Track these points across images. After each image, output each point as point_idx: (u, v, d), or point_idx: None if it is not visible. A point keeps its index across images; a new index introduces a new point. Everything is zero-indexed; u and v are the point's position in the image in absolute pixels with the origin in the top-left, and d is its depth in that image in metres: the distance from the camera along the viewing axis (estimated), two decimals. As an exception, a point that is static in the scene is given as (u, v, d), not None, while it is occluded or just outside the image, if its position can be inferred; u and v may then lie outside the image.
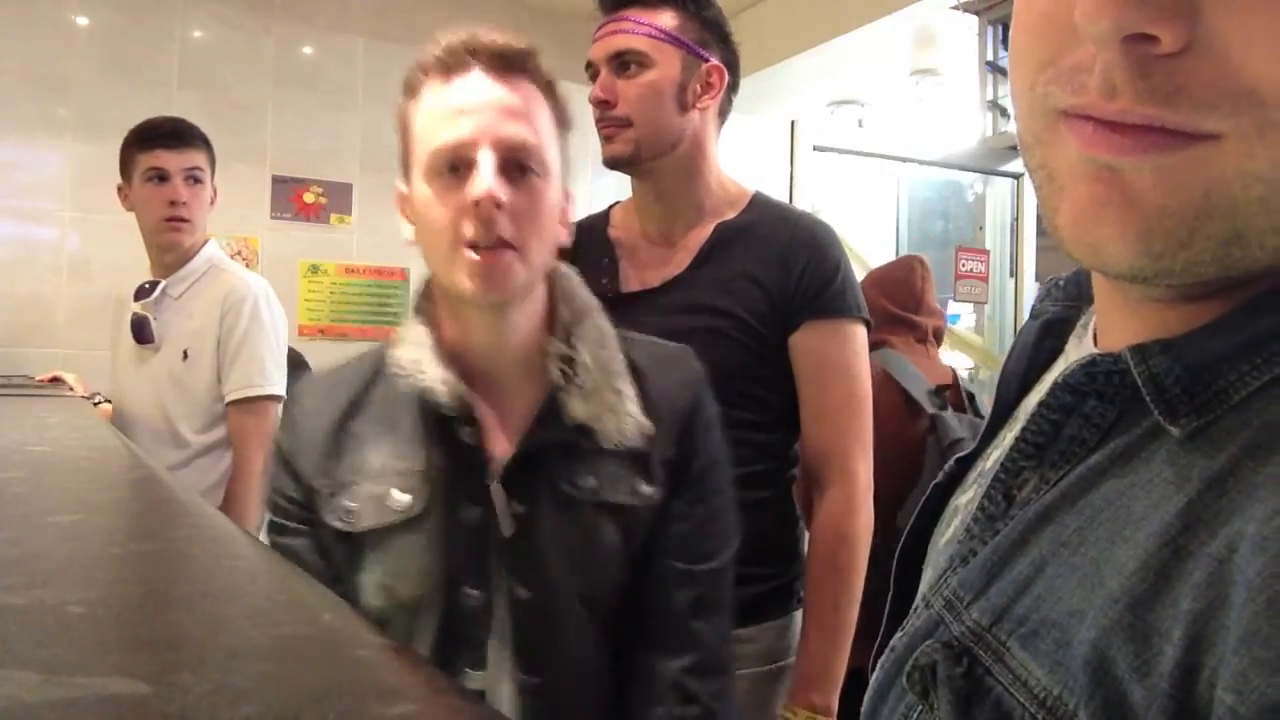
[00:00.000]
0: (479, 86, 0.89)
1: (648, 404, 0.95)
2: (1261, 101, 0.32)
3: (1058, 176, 0.38)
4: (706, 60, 1.31)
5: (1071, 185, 0.37)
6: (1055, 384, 0.44)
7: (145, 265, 2.16)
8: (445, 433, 0.91)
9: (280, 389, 2.01)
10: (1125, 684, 0.33)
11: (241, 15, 3.30)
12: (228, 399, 2.00)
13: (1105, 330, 0.46)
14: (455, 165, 0.88)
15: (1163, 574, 0.34)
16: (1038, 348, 0.53)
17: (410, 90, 0.92)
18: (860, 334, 1.30)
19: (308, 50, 3.39)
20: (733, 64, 1.35)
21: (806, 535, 1.36)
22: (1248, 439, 0.35)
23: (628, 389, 0.94)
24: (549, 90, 0.93)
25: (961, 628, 0.42)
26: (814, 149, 4.09)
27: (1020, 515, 0.43)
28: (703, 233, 1.33)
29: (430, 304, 0.97)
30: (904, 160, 4.27)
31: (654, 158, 1.30)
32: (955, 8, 2.95)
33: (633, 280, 1.34)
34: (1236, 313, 0.38)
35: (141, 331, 2.07)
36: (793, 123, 4.06)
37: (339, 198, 3.48)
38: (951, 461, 0.55)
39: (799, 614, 1.29)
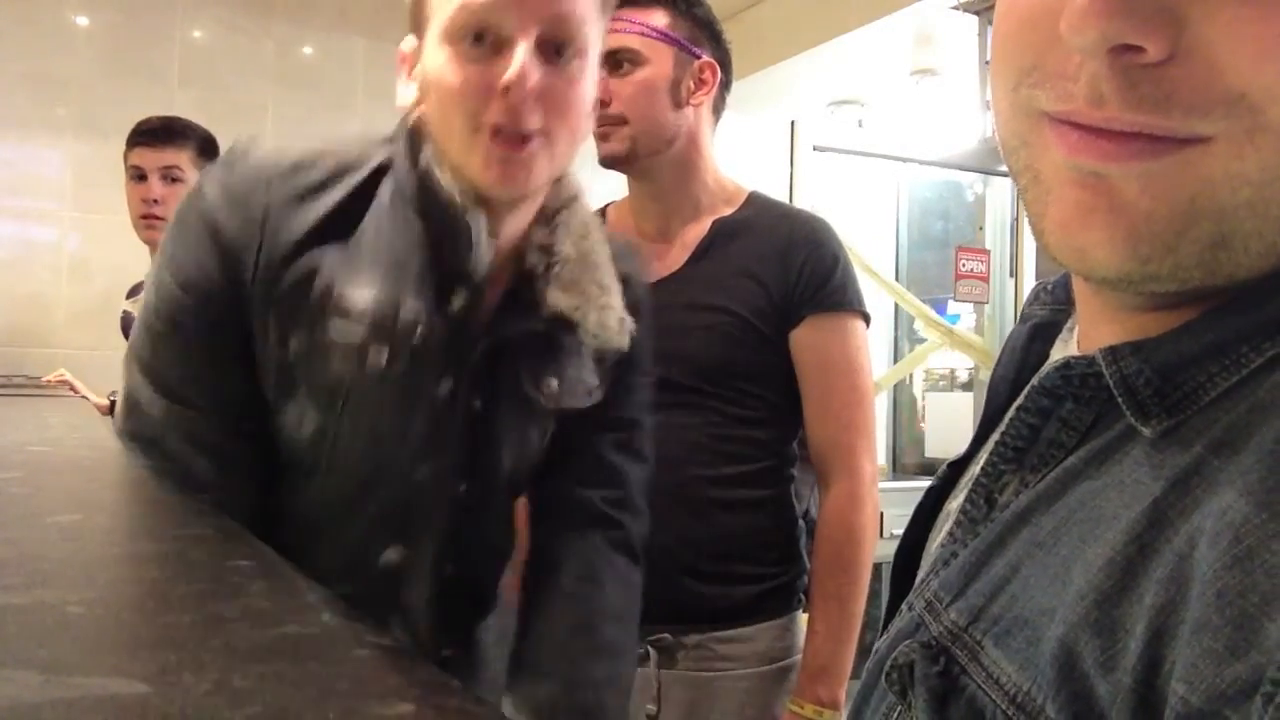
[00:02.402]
0: None
1: (628, 298, 0.89)
2: (1251, 105, 0.32)
3: (1044, 180, 0.38)
4: (698, 57, 1.31)
5: (1058, 190, 0.37)
6: (1031, 387, 0.44)
7: (146, 265, 2.17)
8: (439, 296, 0.80)
9: None
10: (1091, 679, 0.33)
11: (241, 15, 3.30)
12: None
13: (1086, 334, 0.46)
14: (483, 32, 0.76)
15: (1129, 570, 0.34)
16: (1026, 351, 0.53)
17: None
18: (860, 328, 1.31)
19: (308, 50, 3.39)
20: (725, 61, 1.35)
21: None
22: (1214, 438, 0.35)
23: (611, 282, 0.87)
24: None
25: (940, 628, 0.42)
26: (814, 149, 4.08)
27: (999, 518, 0.43)
28: (699, 229, 1.33)
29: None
30: (904, 160, 4.26)
31: (650, 155, 1.30)
32: (955, 8, 2.95)
33: (631, 277, 1.35)
34: (1207, 315, 0.38)
35: (127, 330, 2.07)
36: (793, 123, 4.06)
37: (339, 198, 3.47)
38: (945, 466, 0.55)
39: (800, 613, 1.30)
